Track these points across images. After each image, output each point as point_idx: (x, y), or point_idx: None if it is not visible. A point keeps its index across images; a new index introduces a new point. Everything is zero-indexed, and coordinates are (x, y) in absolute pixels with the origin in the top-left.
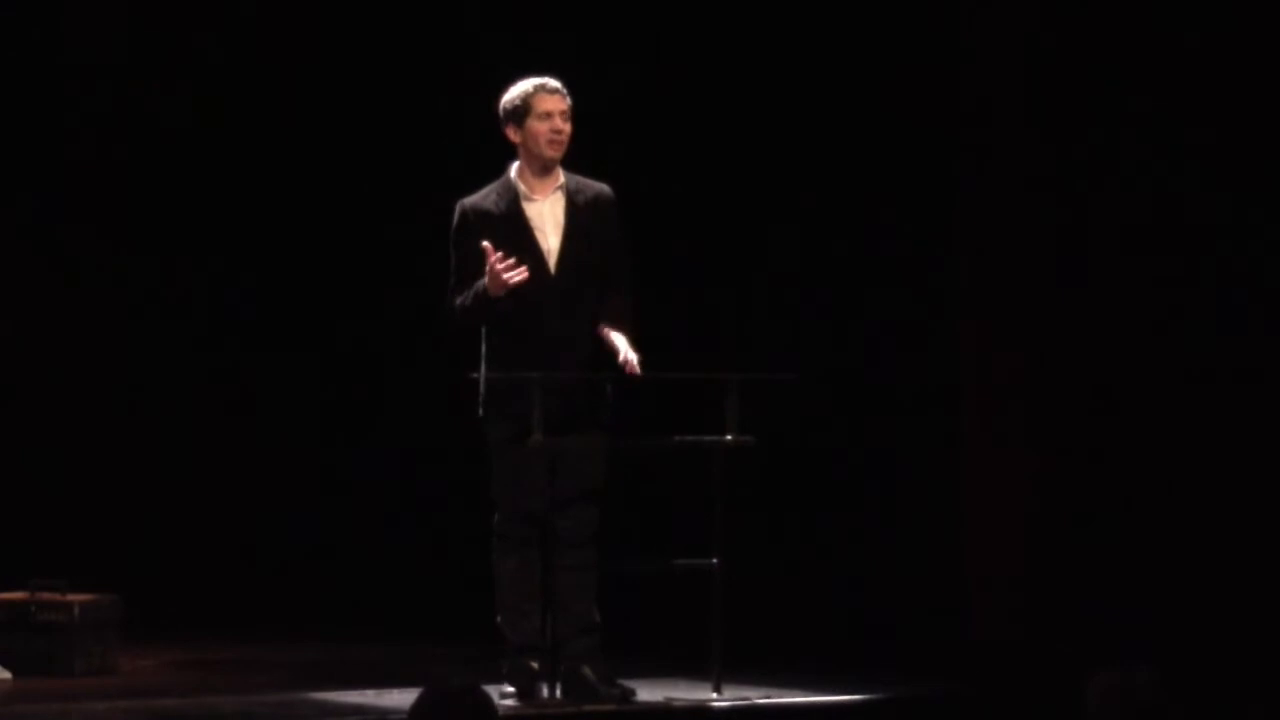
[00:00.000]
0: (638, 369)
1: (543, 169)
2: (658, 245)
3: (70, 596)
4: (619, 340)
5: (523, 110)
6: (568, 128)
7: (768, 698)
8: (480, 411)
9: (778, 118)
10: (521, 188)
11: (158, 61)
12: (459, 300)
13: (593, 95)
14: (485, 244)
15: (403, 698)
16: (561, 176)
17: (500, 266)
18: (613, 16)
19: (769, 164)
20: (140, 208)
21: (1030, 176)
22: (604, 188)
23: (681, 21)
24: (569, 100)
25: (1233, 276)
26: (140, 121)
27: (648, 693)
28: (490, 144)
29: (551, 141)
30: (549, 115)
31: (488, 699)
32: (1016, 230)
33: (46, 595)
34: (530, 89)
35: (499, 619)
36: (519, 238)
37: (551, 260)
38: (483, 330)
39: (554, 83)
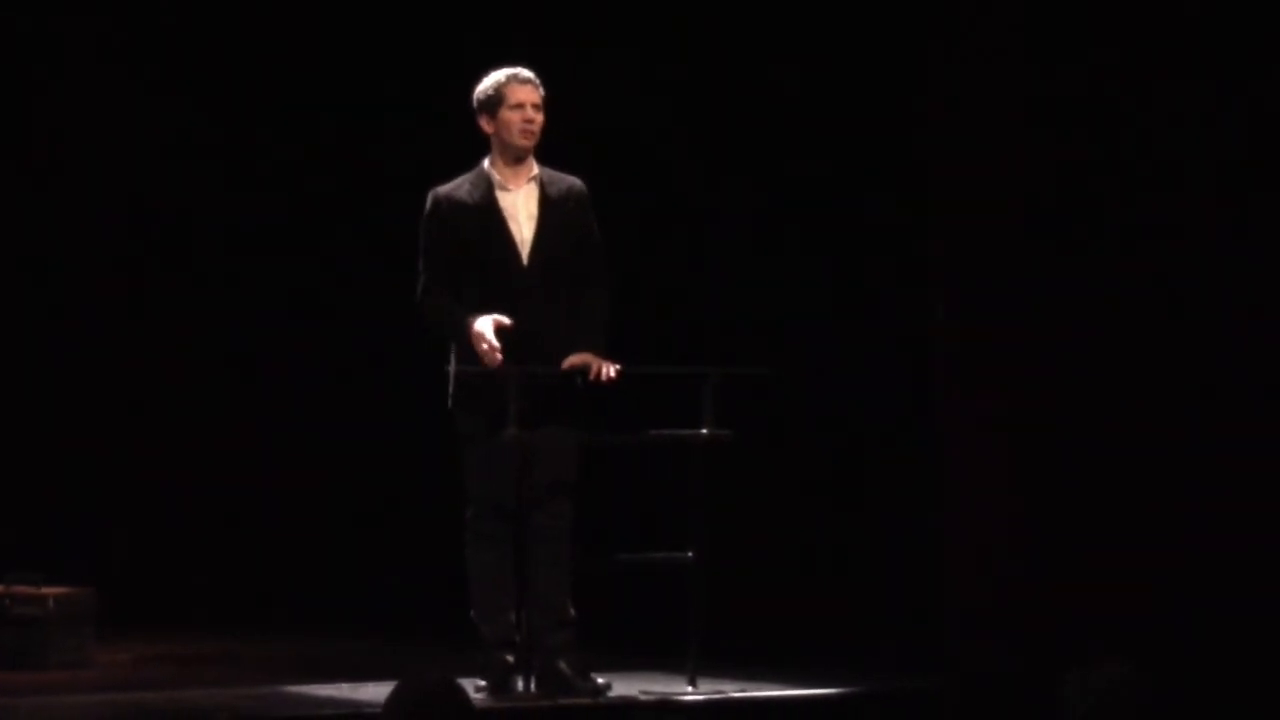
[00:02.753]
0: (612, 373)
1: (516, 159)
2: (633, 238)
3: (45, 590)
4: (588, 359)
5: (495, 100)
6: (540, 118)
7: (743, 691)
8: (450, 404)
9: (750, 108)
10: (495, 177)
11: (147, 59)
12: (430, 308)
13: (569, 86)
14: (494, 347)
15: (378, 691)
16: (535, 168)
17: (491, 353)
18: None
19: (745, 156)
20: (117, 200)
21: (1010, 169)
22: (576, 180)
23: (654, 8)
24: (542, 90)
25: (1215, 264)
26: (124, 119)
27: (623, 686)
28: (462, 135)
29: (524, 131)
30: (521, 105)
31: (463, 693)
32: (995, 219)
33: (21, 588)
34: (503, 79)
35: (473, 613)
36: (492, 227)
37: (525, 251)
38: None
39: (526, 73)
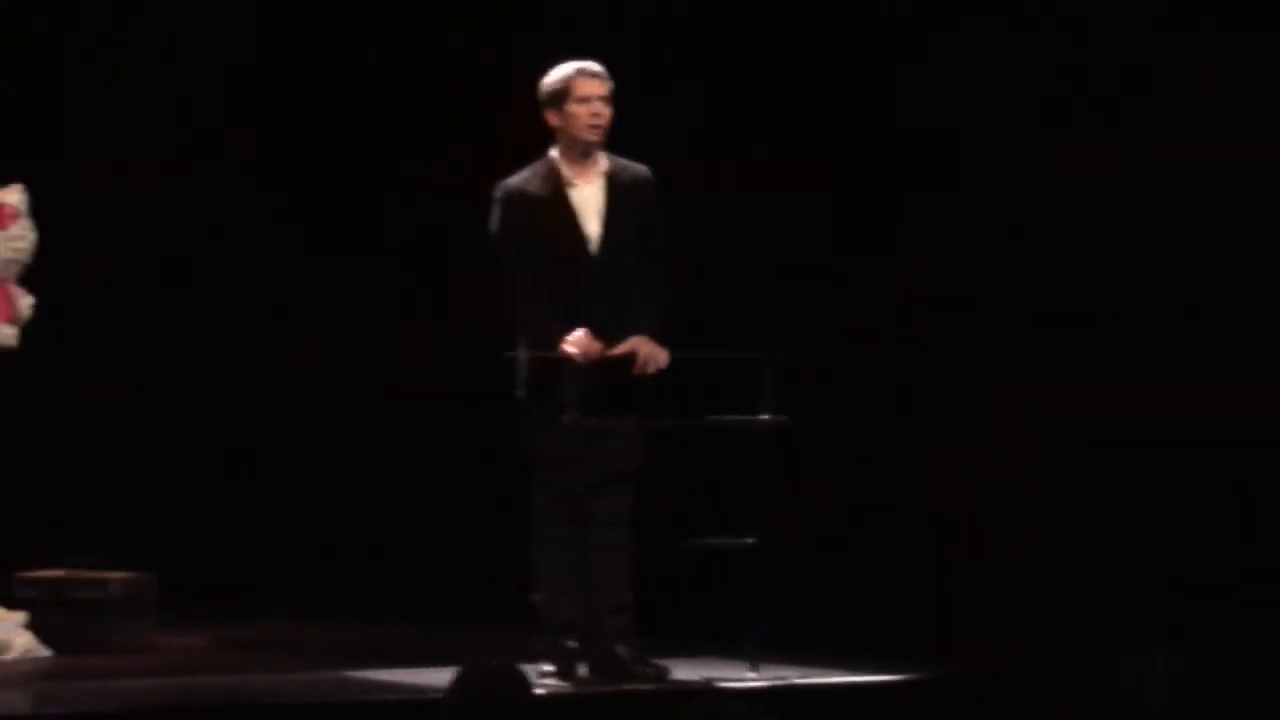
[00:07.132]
0: (663, 361)
1: (583, 153)
2: (695, 223)
3: (107, 574)
4: (637, 345)
5: (562, 94)
6: (608, 112)
7: (805, 677)
8: (516, 392)
9: (804, 94)
10: (564, 172)
11: (181, 49)
12: (520, 300)
13: (630, 73)
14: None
15: (439, 677)
16: (603, 161)
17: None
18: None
19: (799, 143)
20: (113, 191)
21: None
22: (643, 169)
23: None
24: (610, 84)
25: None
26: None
27: (683, 672)
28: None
29: (591, 126)
30: (588, 99)
31: (524, 679)
32: (1060, 214)
33: (84, 573)
34: (571, 72)
35: (535, 598)
36: (562, 222)
37: (593, 245)
38: (522, 312)
39: (595, 66)
